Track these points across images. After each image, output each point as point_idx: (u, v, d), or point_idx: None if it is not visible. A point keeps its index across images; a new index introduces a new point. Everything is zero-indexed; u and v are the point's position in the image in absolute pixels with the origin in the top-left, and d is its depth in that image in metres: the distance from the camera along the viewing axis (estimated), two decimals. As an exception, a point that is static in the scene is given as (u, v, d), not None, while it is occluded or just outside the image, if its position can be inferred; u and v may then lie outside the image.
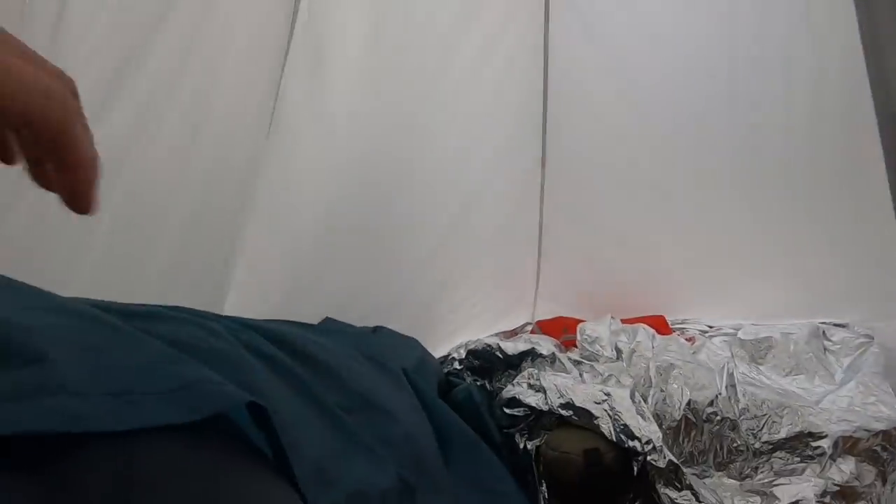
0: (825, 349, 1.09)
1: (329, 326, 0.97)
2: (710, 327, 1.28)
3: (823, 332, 1.12)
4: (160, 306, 0.56)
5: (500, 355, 1.09)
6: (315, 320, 0.99)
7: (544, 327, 1.32)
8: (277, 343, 0.67)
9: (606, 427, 0.80)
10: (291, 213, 1.01)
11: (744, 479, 0.88)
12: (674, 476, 0.75)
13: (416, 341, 1.10)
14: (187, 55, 0.86)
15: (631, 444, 0.77)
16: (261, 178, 0.97)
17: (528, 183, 1.28)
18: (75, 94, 0.25)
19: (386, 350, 0.94)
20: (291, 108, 0.98)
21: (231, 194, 0.96)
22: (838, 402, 0.92)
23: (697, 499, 0.73)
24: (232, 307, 0.94)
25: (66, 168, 0.23)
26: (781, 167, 1.18)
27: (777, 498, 0.81)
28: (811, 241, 1.21)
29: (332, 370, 0.70)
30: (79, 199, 0.24)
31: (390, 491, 0.54)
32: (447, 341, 1.29)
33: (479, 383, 1.11)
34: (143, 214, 0.86)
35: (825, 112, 1.05)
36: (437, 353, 1.21)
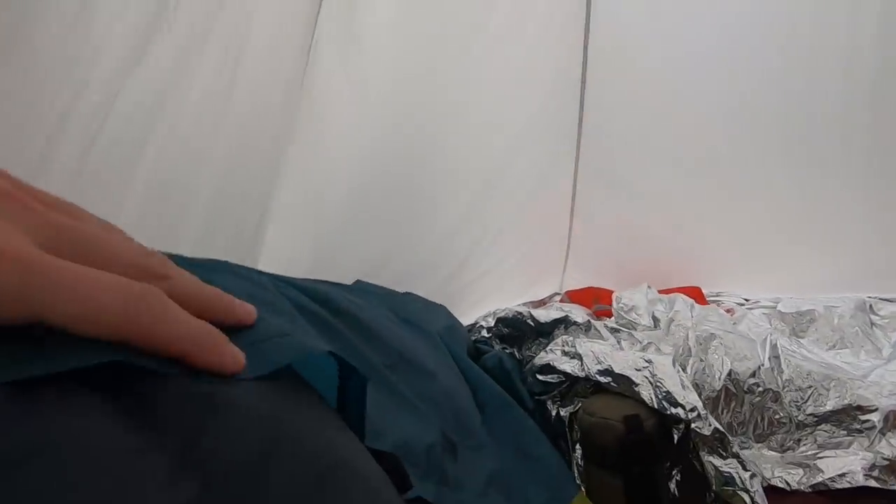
0: (872, 323, 1.05)
1: (362, 287, 0.96)
2: (746, 300, 1.25)
3: (870, 306, 1.07)
4: (205, 259, 0.55)
5: (532, 323, 1.07)
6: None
7: (574, 297, 1.30)
8: (316, 300, 0.66)
9: (647, 394, 0.77)
10: (322, 176, 0.99)
11: (785, 451, 0.86)
12: (719, 444, 0.73)
13: (445, 308, 1.09)
14: (218, 10, 0.83)
15: (674, 411, 0.75)
16: (294, 140, 0.95)
17: (563, 147, 1.23)
18: (160, 275, 0.22)
19: (418, 312, 0.92)
20: (324, 69, 0.95)
21: (264, 155, 0.94)
22: (888, 377, 0.89)
23: (744, 467, 0.71)
24: (263, 268, 0.93)
25: (182, 358, 0.21)
26: (835, 131, 1.11)
27: (821, 470, 0.79)
28: (861, 211, 1.15)
29: (370, 328, 0.69)
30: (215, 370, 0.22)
31: (434, 446, 0.53)
32: (473, 310, 1.27)
33: (507, 351, 1.10)
34: (178, 172, 0.85)
35: (889, 71, 0.98)
36: (463, 321, 1.20)
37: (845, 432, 0.83)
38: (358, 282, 1.03)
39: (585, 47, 1.17)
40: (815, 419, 0.84)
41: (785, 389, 0.87)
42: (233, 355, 0.23)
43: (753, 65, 1.10)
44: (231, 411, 0.22)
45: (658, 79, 1.17)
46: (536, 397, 0.97)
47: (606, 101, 1.20)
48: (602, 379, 0.83)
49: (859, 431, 0.82)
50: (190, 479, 0.19)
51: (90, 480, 0.17)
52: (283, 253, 1.00)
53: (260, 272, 0.67)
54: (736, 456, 0.72)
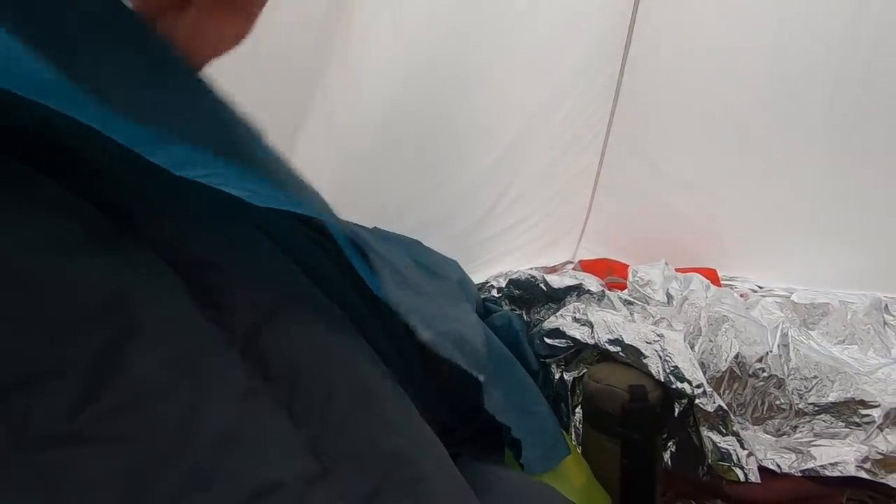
0: (885, 323, 1.04)
1: (380, 233, 0.96)
2: (760, 287, 1.24)
3: (886, 305, 1.07)
4: None
5: (544, 287, 1.07)
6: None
7: (587, 267, 1.29)
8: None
9: (655, 367, 0.78)
10: (351, 114, 0.96)
11: (780, 435, 0.87)
12: (721, 422, 0.74)
13: (456, 262, 1.09)
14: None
15: (680, 385, 0.76)
16: (324, 75, 0.91)
17: (597, 113, 1.19)
18: None
19: (436, 261, 0.93)
20: (363, 8, 0.90)
21: (293, 94, 0.91)
22: (894, 376, 0.89)
23: (742, 445, 0.73)
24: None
25: None
26: (873, 129, 1.07)
27: (814, 458, 0.81)
28: (885, 210, 1.12)
29: (397, 271, 0.69)
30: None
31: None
32: (484, 269, 1.27)
33: (517, 313, 1.11)
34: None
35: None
36: (474, 279, 1.20)
37: (843, 424, 0.84)
38: (376, 228, 1.03)
39: (634, 9, 1.11)
40: (816, 409, 0.85)
41: (790, 377, 0.88)
42: None
43: (801, 52, 1.04)
44: (291, 322, 0.23)
45: (704, 54, 1.11)
46: (541, 360, 0.98)
47: (648, 69, 1.14)
48: (611, 348, 0.84)
49: (857, 425, 0.83)
50: (252, 367, 0.20)
51: (171, 339, 0.18)
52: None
53: None
54: (735, 434, 0.74)
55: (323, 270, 0.43)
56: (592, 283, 1.05)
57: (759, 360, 0.89)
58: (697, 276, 1.07)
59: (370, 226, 1.02)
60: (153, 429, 0.17)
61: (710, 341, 0.91)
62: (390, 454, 0.23)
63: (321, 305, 0.28)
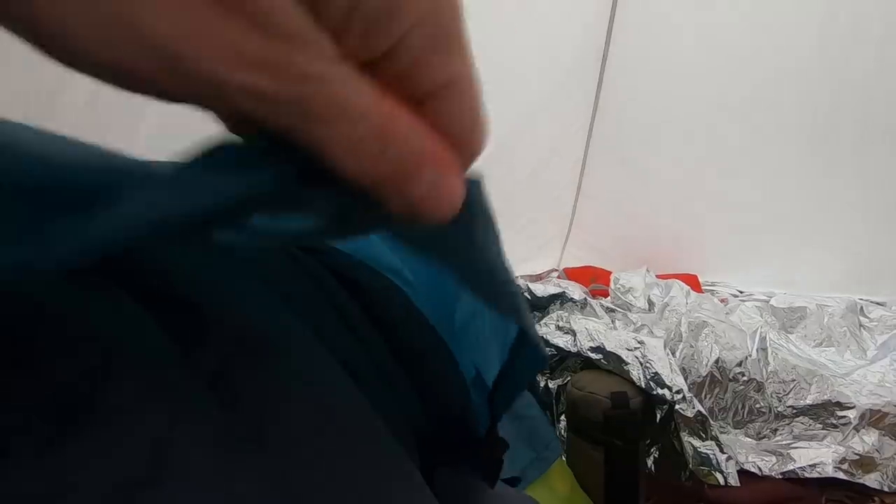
0: (860, 325, 1.06)
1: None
2: (741, 292, 1.26)
3: (861, 307, 1.09)
4: None
5: (529, 296, 1.08)
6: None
7: (572, 275, 1.31)
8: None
9: (636, 373, 0.79)
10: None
11: (761, 438, 0.89)
12: (700, 427, 0.75)
13: (442, 274, 1.10)
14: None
15: (660, 391, 0.77)
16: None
17: (578, 121, 1.21)
18: None
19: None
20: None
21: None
22: (869, 377, 0.91)
23: (721, 450, 0.74)
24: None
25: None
26: (854, 132, 1.10)
27: (793, 459, 0.82)
28: (867, 214, 1.15)
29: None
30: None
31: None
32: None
33: (502, 321, 1.12)
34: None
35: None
36: (461, 289, 1.21)
37: (821, 426, 0.85)
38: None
39: (611, 20, 1.13)
40: (794, 411, 0.87)
41: (768, 381, 0.90)
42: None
43: (774, 61, 1.07)
44: (260, 351, 0.23)
45: (680, 61, 1.14)
46: (526, 368, 0.99)
47: (625, 79, 1.17)
48: (593, 355, 0.85)
49: (834, 426, 0.84)
50: (221, 401, 0.20)
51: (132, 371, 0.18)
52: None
53: None
54: (715, 439, 0.75)
55: (299, 289, 0.43)
56: (575, 291, 1.06)
57: (739, 365, 0.91)
58: (678, 283, 1.09)
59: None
60: (128, 458, 0.17)
61: (691, 347, 0.92)
62: (363, 483, 0.24)
63: (299, 338, 0.29)
